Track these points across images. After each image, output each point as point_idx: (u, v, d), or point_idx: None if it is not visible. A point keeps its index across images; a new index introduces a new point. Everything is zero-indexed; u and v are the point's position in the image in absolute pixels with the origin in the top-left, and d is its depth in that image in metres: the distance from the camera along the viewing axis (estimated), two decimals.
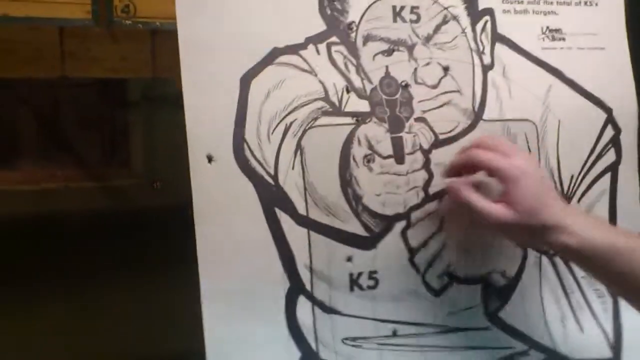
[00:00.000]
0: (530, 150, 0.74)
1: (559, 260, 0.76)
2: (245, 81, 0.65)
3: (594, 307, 0.77)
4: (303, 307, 0.67)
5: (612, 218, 0.78)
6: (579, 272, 0.77)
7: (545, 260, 0.76)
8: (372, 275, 0.69)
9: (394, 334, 0.70)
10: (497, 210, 0.61)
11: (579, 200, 0.77)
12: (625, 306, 0.78)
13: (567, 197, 0.76)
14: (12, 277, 0.85)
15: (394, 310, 0.70)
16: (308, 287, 0.67)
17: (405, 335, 0.70)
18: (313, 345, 0.67)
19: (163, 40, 0.87)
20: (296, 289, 0.66)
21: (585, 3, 0.78)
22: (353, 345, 0.68)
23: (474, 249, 0.72)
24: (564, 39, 0.76)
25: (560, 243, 0.61)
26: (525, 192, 0.60)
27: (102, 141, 1.00)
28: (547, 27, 0.76)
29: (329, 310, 0.68)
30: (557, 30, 0.76)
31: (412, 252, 0.70)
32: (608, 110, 0.78)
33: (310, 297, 0.67)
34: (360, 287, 0.69)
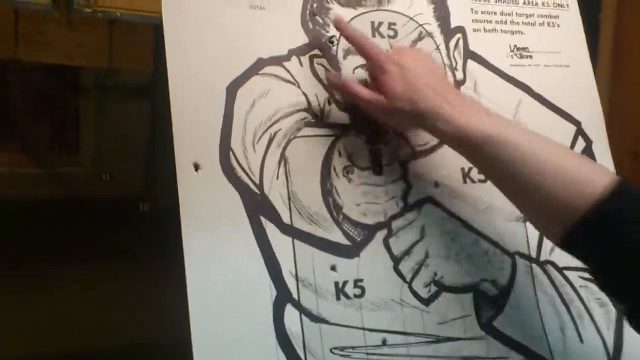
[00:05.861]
0: None
1: (552, 270, 0.77)
2: (231, 90, 0.67)
3: (595, 316, 0.77)
4: (291, 315, 0.66)
5: None
6: (577, 282, 0.77)
7: (537, 269, 0.76)
8: (357, 283, 0.69)
9: (384, 343, 0.69)
10: (372, 96, 0.67)
11: None
12: None
13: None
14: None
15: (382, 319, 0.69)
16: (295, 295, 0.66)
17: (395, 345, 0.69)
18: (301, 354, 0.65)
19: (121, 30, 0.85)
20: (283, 297, 0.66)
21: (548, 24, 0.83)
22: (342, 355, 0.67)
23: (459, 258, 0.73)
24: (531, 57, 0.81)
25: (436, 129, 0.64)
26: (394, 81, 0.65)
27: (51, 127, 0.96)
28: (515, 46, 0.80)
29: (316, 319, 0.67)
30: (524, 49, 0.81)
31: (395, 260, 0.71)
32: (577, 123, 0.82)
33: (298, 305, 0.66)
34: (347, 296, 0.68)
